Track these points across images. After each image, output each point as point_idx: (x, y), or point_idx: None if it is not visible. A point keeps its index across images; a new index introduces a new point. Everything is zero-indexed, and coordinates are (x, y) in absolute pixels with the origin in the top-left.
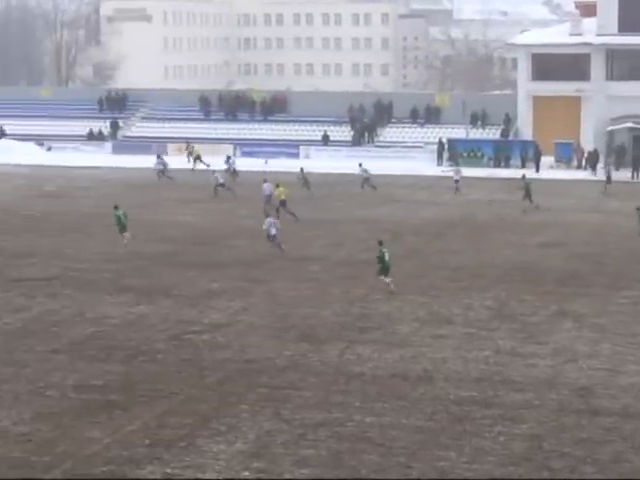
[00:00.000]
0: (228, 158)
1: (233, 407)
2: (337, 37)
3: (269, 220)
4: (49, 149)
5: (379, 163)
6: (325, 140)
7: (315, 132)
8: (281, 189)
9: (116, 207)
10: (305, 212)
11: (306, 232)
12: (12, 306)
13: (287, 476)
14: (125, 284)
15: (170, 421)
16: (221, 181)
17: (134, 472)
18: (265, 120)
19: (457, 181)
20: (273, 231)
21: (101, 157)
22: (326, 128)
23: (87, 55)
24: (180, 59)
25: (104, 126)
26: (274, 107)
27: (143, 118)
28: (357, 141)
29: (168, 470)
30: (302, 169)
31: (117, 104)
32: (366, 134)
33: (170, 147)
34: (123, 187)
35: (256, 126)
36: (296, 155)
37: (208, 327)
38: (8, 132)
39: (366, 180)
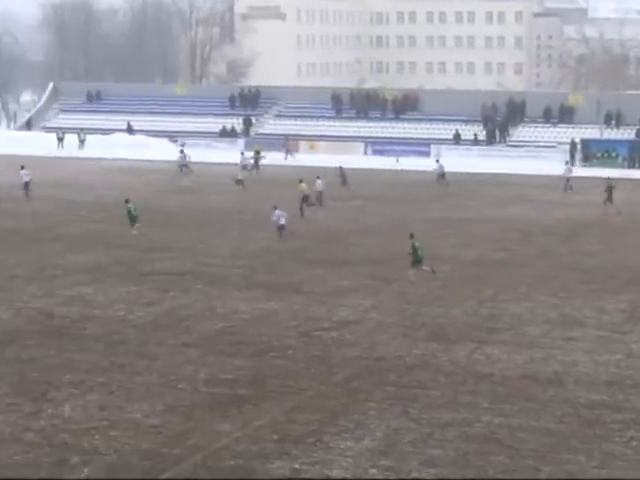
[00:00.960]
0: (242, 153)
1: (361, 404)
2: (470, 35)
3: (278, 212)
4: (183, 145)
5: (511, 162)
6: (457, 139)
7: (447, 131)
8: (303, 185)
9: (127, 201)
10: (435, 211)
11: (436, 231)
12: (144, 299)
13: (414, 475)
14: (255, 280)
15: (299, 417)
16: (239, 177)
17: (263, 467)
18: (396, 118)
19: (568, 180)
20: (282, 221)
21: (234, 154)
22: (458, 127)
23: (221, 53)
24: (313, 57)
25: (237, 123)
26: (405, 105)
27: (276, 115)
28: (489, 140)
29: (296, 466)
30: (341, 167)
31: (250, 101)
32: (498, 133)
33: (302, 144)
34: (255, 183)
35: (387, 124)
36: (427, 154)
37: (337, 324)
38: (138, 128)
39: (440, 176)
